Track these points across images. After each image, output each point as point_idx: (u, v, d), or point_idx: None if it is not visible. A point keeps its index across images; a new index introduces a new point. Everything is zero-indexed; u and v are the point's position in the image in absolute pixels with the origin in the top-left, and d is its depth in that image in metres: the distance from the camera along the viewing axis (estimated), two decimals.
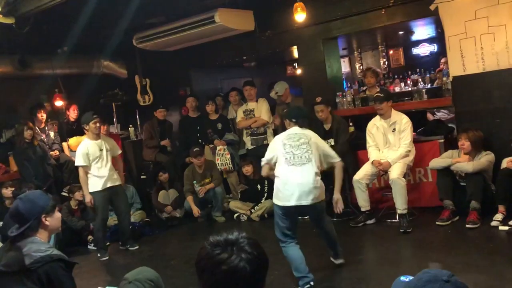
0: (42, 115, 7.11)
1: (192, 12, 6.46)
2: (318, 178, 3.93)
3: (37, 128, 6.91)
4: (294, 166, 3.91)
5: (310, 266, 4.24)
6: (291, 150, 3.96)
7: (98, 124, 5.53)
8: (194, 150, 6.53)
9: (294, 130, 4.10)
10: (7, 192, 5.96)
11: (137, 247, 5.78)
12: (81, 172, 5.48)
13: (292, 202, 3.85)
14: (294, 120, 4.17)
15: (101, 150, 5.52)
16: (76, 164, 5.60)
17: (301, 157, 3.92)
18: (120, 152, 5.99)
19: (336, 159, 4.15)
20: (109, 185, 5.54)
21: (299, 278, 3.80)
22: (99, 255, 5.60)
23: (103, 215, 5.58)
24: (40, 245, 2.47)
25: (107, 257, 5.58)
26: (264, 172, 4.20)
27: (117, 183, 5.67)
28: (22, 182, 6.34)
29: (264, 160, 4.17)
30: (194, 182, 6.62)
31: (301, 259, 3.86)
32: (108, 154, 5.59)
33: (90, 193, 5.51)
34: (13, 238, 2.52)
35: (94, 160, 5.46)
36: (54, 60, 7.33)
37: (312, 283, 3.77)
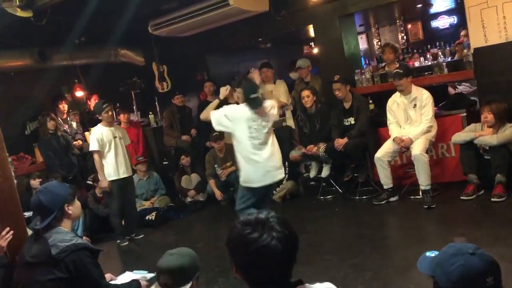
0: (64, 106, 7.23)
1: None
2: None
3: (59, 119, 7.04)
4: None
5: (335, 243, 4.28)
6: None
7: (110, 113, 5.60)
8: (213, 134, 6.55)
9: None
10: (35, 183, 6.10)
11: (142, 236, 5.85)
12: (96, 156, 5.51)
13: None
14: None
15: (114, 137, 5.59)
16: (90, 149, 5.64)
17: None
18: (129, 142, 6.04)
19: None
20: (125, 175, 5.64)
21: None
22: (118, 241, 5.70)
23: (119, 201, 5.66)
24: (65, 235, 2.53)
25: (126, 243, 5.68)
26: None
27: (130, 173, 5.78)
28: (48, 172, 6.48)
29: None
30: (216, 166, 6.66)
31: None
32: (122, 142, 5.68)
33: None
34: (38, 230, 2.58)
35: (108, 147, 5.52)
36: (72, 51, 7.41)
37: None
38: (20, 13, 5.18)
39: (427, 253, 1.54)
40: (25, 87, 7.35)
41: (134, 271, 3.24)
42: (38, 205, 2.58)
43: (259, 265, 1.46)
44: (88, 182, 6.77)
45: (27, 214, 5.19)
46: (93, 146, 5.53)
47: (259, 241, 1.45)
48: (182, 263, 2.28)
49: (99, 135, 5.51)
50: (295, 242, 1.53)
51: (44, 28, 5.76)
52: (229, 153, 6.64)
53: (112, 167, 5.55)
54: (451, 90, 6.84)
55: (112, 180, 5.56)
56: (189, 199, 6.85)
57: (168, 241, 5.61)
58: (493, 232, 4.01)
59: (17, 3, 5.09)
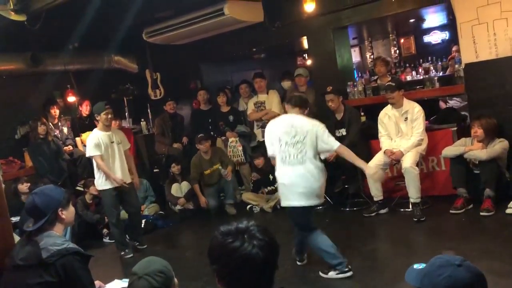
0: (55, 111, 7.19)
1: (200, 5, 6.46)
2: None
3: (50, 123, 7.00)
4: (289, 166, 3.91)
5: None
6: (286, 148, 3.89)
7: (109, 116, 5.31)
8: (199, 136, 6.49)
9: (292, 120, 3.99)
10: (23, 187, 6.05)
11: (145, 247, 5.56)
12: (98, 160, 5.20)
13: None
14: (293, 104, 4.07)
15: (112, 142, 5.32)
16: (90, 154, 5.30)
17: (296, 156, 3.87)
18: (129, 146, 5.74)
19: (334, 147, 3.93)
20: (126, 181, 5.33)
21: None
22: (122, 253, 5.40)
23: (118, 211, 5.40)
24: (56, 239, 2.51)
25: (131, 255, 5.34)
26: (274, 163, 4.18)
27: (130, 180, 5.45)
28: (37, 177, 6.43)
29: (270, 155, 4.14)
30: (204, 169, 6.57)
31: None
32: (120, 148, 5.38)
33: (101, 190, 5.36)
34: (29, 233, 2.56)
35: (105, 153, 5.24)
36: (65, 56, 7.40)
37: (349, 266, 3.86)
38: (14, 16, 5.18)
39: (415, 265, 1.55)
40: (17, 91, 7.31)
41: (123, 279, 3.21)
42: (32, 207, 2.56)
43: (242, 274, 1.48)
44: (78, 188, 6.73)
45: (14, 219, 5.15)
46: (92, 151, 5.23)
47: (240, 249, 1.47)
48: (154, 287, 2.08)
49: (96, 140, 5.23)
50: (276, 249, 1.55)
51: (38, 33, 5.75)
52: (216, 156, 6.61)
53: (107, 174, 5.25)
54: (442, 105, 6.91)
55: (108, 189, 5.27)
56: (178, 207, 6.82)
57: (156, 249, 5.57)
58: (481, 246, 4.03)
59: (11, 6, 5.08)
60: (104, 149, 5.25)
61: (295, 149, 3.85)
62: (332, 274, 3.87)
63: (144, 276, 2.10)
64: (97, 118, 5.38)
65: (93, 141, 5.25)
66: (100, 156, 5.22)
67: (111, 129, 5.48)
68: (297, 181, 3.84)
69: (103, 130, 5.33)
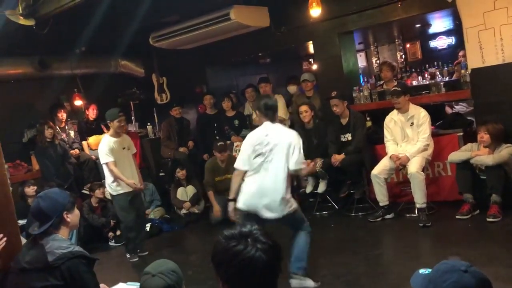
0: (62, 115, 7.23)
1: (207, 10, 6.50)
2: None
3: (57, 127, 7.04)
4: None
5: (329, 259, 4.26)
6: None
7: (122, 123, 5.35)
8: (218, 144, 6.25)
9: (264, 131, 3.79)
10: (29, 190, 6.08)
11: (147, 253, 5.55)
12: (112, 167, 5.21)
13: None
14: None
15: (123, 148, 5.36)
16: (104, 161, 5.28)
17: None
18: (135, 151, 5.74)
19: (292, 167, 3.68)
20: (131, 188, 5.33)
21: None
22: (128, 256, 5.45)
23: (133, 214, 5.39)
24: (61, 242, 2.52)
25: (137, 259, 5.41)
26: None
27: (140, 184, 5.49)
28: (43, 180, 6.46)
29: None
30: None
31: None
32: (129, 153, 5.44)
33: (114, 196, 5.35)
34: (35, 236, 2.57)
35: (118, 159, 5.26)
36: (72, 61, 7.45)
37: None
38: (22, 21, 5.22)
39: (420, 271, 1.54)
40: (25, 95, 7.37)
41: (128, 283, 3.22)
42: (37, 211, 2.58)
43: (245, 277, 1.48)
44: (84, 191, 6.75)
45: (21, 222, 5.17)
46: (105, 158, 5.23)
47: (244, 253, 1.48)
48: (168, 284, 2.12)
49: (109, 146, 5.24)
50: (279, 252, 1.56)
51: (45, 37, 5.79)
52: (231, 164, 6.40)
53: (120, 180, 5.26)
54: (448, 110, 6.88)
55: (120, 194, 5.30)
56: (184, 211, 6.83)
57: (162, 252, 5.58)
58: (487, 252, 4.01)
59: (20, 11, 5.12)
60: (116, 155, 5.27)
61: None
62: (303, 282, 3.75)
63: (158, 274, 2.14)
64: (109, 124, 5.40)
65: (106, 148, 5.26)
66: (113, 162, 5.23)
67: (121, 135, 5.49)
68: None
69: (115, 137, 5.35)
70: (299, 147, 3.69)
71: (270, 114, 3.84)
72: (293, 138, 3.72)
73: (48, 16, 5.47)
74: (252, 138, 3.84)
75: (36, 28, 5.50)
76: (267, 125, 3.83)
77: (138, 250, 5.54)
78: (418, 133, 5.21)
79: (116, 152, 5.27)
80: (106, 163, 5.27)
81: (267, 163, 3.70)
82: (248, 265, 1.47)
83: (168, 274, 2.13)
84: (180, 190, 6.91)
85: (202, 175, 6.68)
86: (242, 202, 3.75)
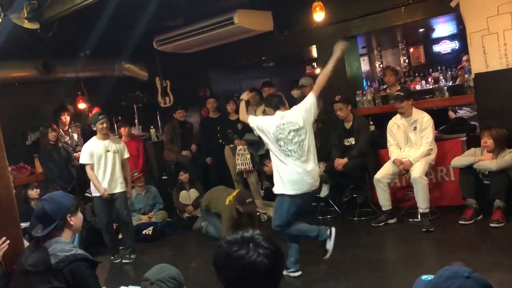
0: (66, 118, 7.25)
1: (210, 14, 6.52)
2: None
3: (61, 130, 7.06)
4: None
5: (331, 263, 4.25)
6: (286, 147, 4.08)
7: (105, 125, 5.42)
8: (247, 201, 5.34)
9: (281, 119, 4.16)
10: (33, 193, 6.09)
11: (133, 258, 5.53)
12: (87, 169, 5.39)
13: None
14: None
15: (107, 151, 5.39)
16: (81, 162, 5.51)
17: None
18: (128, 156, 5.72)
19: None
20: (112, 191, 5.38)
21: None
22: (111, 257, 5.55)
23: (107, 218, 5.51)
24: (64, 245, 2.52)
25: (119, 260, 5.54)
26: None
27: (120, 190, 5.44)
28: (47, 183, 6.47)
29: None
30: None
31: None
32: (116, 157, 5.43)
33: (93, 197, 5.51)
34: (38, 238, 2.58)
35: (97, 161, 5.34)
36: (76, 64, 7.48)
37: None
38: (27, 24, 5.24)
39: (423, 277, 1.53)
40: (29, 97, 7.40)
41: (130, 286, 3.22)
42: (41, 213, 2.59)
43: (247, 282, 1.48)
44: (87, 194, 6.75)
45: (24, 225, 5.18)
46: (82, 159, 5.44)
47: (246, 257, 1.48)
48: None
49: (89, 149, 5.39)
50: (281, 257, 1.57)
51: (50, 41, 5.82)
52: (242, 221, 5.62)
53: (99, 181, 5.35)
54: (451, 114, 6.87)
55: (96, 196, 5.44)
56: (186, 215, 6.83)
57: (164, 256, 5.58)
58: (491, 258, 3.99)
59: (25, 15, 5.15)
60: (96, 158, 5.37)
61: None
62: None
63: (157, 282, 2.13)
64: (94, 129, 5.54)
65: (86, 150, 5.43)
66: (90, 165, 5.38)
67: (111, 138, 5.58)
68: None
69: (100, 139, 5.46)
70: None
71: (276, 101, 4.28)
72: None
73: (52, 19, 5.50)
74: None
75: (40, 31, 5.53)
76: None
77: (127, 255, 5.56)
78: (422, 137, 5.20)
79: (97, 155, 5.36)
80: (84, 165, 5.47)
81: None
82: (250, 269, 1.47)
83: (167, 281, 2.11)
84: (182, 194, 6.91)
85: (205, 178, 6.67)
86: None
